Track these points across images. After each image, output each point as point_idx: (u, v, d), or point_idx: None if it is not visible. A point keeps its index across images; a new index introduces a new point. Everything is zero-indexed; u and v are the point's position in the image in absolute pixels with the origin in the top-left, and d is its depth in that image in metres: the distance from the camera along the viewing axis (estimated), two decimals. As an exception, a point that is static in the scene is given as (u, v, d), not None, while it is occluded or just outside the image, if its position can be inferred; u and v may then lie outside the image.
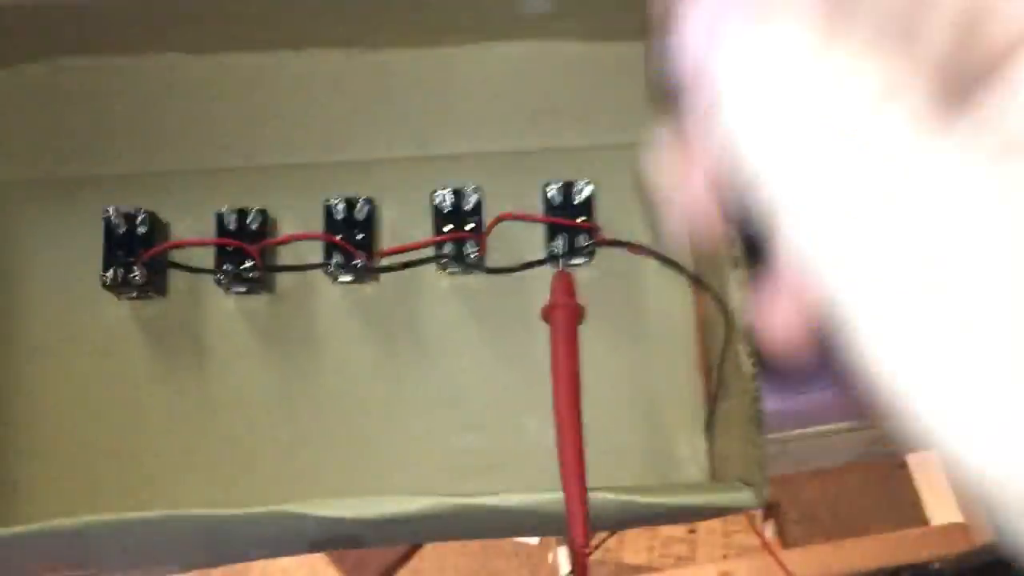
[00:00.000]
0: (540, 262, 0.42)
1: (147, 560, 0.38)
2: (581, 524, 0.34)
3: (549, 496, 0.35)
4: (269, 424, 0.42)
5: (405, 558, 0.76)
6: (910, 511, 1.22)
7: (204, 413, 0.42)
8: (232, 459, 0.41)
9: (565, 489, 0.35)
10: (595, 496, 0.35)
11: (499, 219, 0.41)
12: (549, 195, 0.41)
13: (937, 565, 1.19)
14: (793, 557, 0.86)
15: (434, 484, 0.41)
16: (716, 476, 0.41)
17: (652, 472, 0.42)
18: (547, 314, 0.40)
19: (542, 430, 0.41)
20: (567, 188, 0.41)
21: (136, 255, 0.40)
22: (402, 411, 0.42)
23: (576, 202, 0.41)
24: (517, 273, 0.42)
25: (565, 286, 0.40)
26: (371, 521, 0.34)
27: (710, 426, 0.41)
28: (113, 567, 0.37)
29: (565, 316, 0.40)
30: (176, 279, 0.43)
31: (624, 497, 0.35)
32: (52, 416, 0.42)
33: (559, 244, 0.41)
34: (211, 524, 0.34)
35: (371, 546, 0.37)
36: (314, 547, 0.36)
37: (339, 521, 0.33)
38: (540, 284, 0.41)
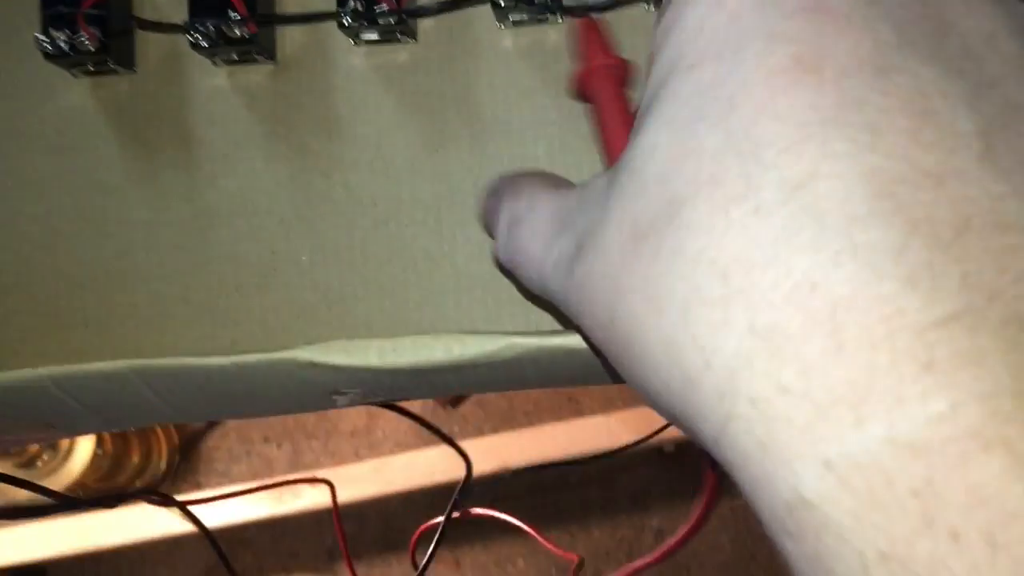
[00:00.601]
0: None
1: (127, 418, 0.30)
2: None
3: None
4: (279, 241, 0.31)
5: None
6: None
7: (194, 228, 0.31)
8: (233, 289, 0.31)
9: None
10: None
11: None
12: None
13: (671, 448, 1.09)
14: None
15: (500, 318, 0.30)
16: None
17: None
18: (582, 83, 0.27)
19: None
20: None
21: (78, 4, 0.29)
22: (454, 218, 0.31)
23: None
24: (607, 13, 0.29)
25: (595, 39, 0.27)
26: (412, 370, 0.24)
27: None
28: (87, 426, 0.29)
29: (607, 78, 0.27)
30: (146, 46, 0.32)
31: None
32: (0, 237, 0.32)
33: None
34: (200, 374, 0.24)
35: (414, 398, 0.27)
36: (341, 401, 0.27)
37: (368, 371, 0.23)
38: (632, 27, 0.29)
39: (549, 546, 0.57)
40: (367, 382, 0.24)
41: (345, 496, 0.97)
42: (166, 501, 0.55)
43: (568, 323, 0.29)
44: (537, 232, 0.22)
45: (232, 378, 0.24)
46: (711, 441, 0.16)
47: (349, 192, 0.31)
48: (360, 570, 1.14)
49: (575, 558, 0.54)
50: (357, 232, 0.31)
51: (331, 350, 0.23)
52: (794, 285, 0.14)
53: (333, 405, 0.27)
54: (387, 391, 0.26)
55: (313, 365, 0.23)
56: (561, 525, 1.15)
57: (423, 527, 0.57)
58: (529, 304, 0.30)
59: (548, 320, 0.30)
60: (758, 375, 0.15)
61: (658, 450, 1.12)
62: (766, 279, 0.15)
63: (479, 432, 1.19)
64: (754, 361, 0.15)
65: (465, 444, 1.01)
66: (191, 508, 0.61)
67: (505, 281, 0.30)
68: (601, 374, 0.26)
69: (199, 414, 0.27)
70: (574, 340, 0.25)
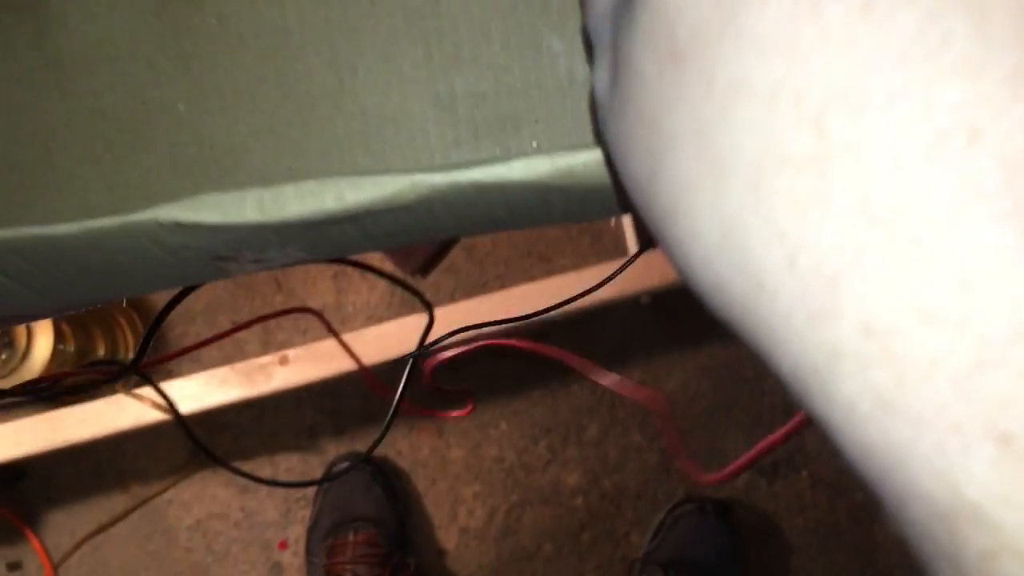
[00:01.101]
0: None
1: None
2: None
3: (597, 153, 0.20)
4: (149, 89, 0.26)
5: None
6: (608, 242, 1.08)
7: (47, 81, 0.27)
8: (103, 150, 0.26)
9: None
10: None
11: None
12: None
13: (648, 300, 1.06)
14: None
15: (419, 162, 0.26)
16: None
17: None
18: None
19: (572, 56, 0.25)
20: None
21: None
22: (352, 46, 0.26)
23: None
24: None
25: None
26: (301, 223, 0.20)
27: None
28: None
29: None
30: None
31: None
32: None
33: None
34: (46, 247, 0.20)
35: (320, 259, 0.24)
36: (232, 268, 0.23)
37: (248, 228, 0.20)
38: None
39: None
40: (251, 242, 0.21)
41: (317, 373, 0.95)
42: (141, 381, 0.51)
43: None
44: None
45: (87, 249, 0.20)
46: (788, 373, 0.11)
47: (225, 24, 0.26)
48: (343, 444, 1.13)
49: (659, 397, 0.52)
50: (239, 72, 0.26)
51: (200, 206, 0.19)
52: (940, 133, 0.09)
53: (224, 275, 0.23)
54: (280, 252, 0.22)
55: (179, 226, 0.19)
56: (541, 383, 1.15)
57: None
58: (464, 141, 0.26)
59: (479, 159, 0.26)
60: (881, 288, 0.09)
61: (635, 302, 1.10)
62: (891, 123, 0.09)
63: (451, 299, 1.16)
64: (875, 261, 0.09)
65: (437, 312, 0.99)
66: (164, 388, 0.58)
67: (419, 115, 0.26)
68: (528, 215, 0.22)
69: (68, 297, 0.23)
70: (492, 172, 0.21)
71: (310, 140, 0.26)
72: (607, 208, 0.22)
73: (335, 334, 0.64)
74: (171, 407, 0.85)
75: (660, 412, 0.44)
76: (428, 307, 0.55)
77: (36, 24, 0.26)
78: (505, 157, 0.22)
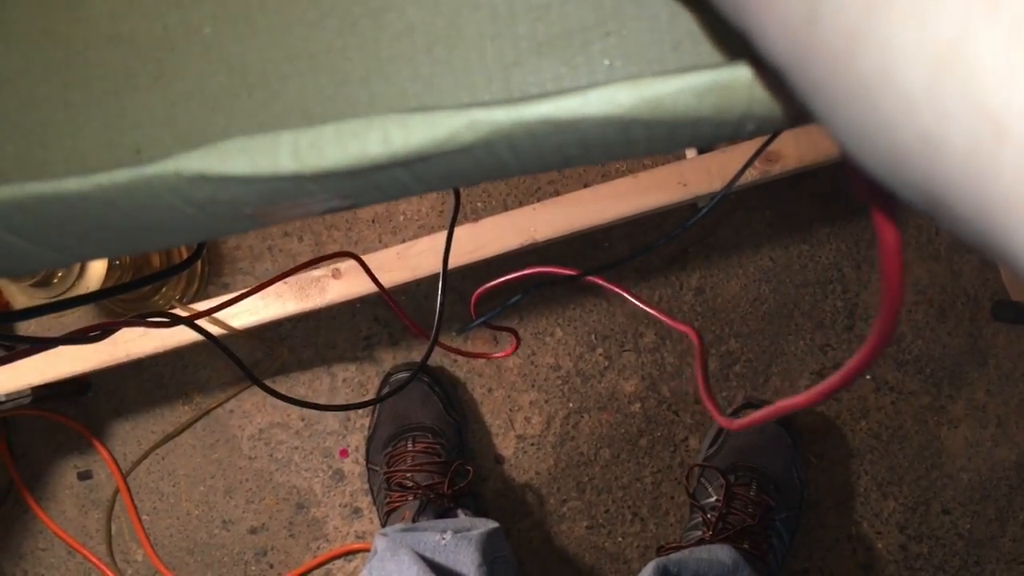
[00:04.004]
0: None
1: None
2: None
3: (689, 79, 0.17)
4: (170, 10, 0.23)
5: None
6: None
7: (59, 4, 0.24)
8: (123, 81, 0.24)
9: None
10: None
11: None
12: None
13: (704, 204, 0.98)
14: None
15: (473, 84, 0.23)
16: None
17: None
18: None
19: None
20: None
21: None
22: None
23: None
24: None
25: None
26: (342, 172, 0.17)
27: None
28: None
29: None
30: None
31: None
32: None
33: None
34: (56, 205, 0.18)
35: (365, 204, 0.21)
36: (269, 218, 0.20)
37: (283, 180, 0.17)
38: None
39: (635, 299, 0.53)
40: (288, 192, 0.18)
41: (370, 286, 0.94)
42: (174, 320, 0.50)
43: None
44: None
45: (102, 207, 0.17)
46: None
47: (250, -68, 0.23)
48: (399, 354, 1.13)
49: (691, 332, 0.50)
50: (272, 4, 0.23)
51: (227, 154, 0.17)
52: None
53: (258, 225, 0.21)
54: (323, 201, 0.19)
55: (205, 178, 0.17)
56: (594, 289, 1.12)
57: (480, 290, 0.53)
58: (524, 61, 0.22)
59: (542, 82, 0.23)
60: None
61: (692, 206, 1.06)
62: None
63: (503, 207, 1.13)
64: None
65: (489, 221, 0.96)
66: (220, 302, 0.57)
67: (472, 31, 0.23)
68: (605, 151, 0.19)
69: (90, 253, 0.21)
70: (565, 106, 0.17)
71: (351, 64, 0.23)
72: (699, 139, 0.19)
73: (377, 282, 0.62)
74: (208, 335, 0.85)
75: (695, 348, 0.42)
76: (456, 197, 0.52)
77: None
78: (577, 85, 0.19)
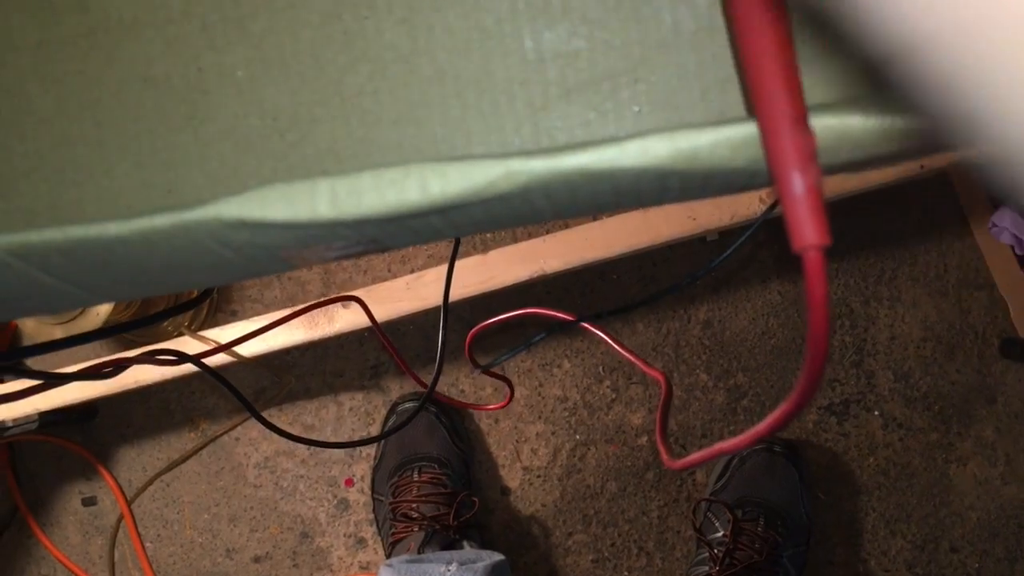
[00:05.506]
0: None
1: (28, 306, 0.24)
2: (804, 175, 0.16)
3: (725, 132, 0.17)
4: (205, 53, 0.24)
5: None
6: None
7: (94, 46, 0.24)
8: (157, 122, 0.24)
9: (761, 112, 0.17)
10: (822, 125, 0.17)
11: None
12: None
13: (715, 237, 0.97)
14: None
15: (503, 129, 0.23)
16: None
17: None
18: None
19: (676, 5, 0.22)
20: None
21: None
22: (436, 3, 0.23)
23: None
24: None
25: None
26: (379, 219, 0.17)
27: None
28: None
29: None
30: None
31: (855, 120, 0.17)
32: None
33: None
34: (96, 249, 0.18)
35: (397, 247, 0.21)
36: (301, 260, 0.20)
37: (320, 226, 0.17)
38: None
39: (631, 358, 0.54)
40: (323, 238, 0.18)
41: (380, 314, 0.94)
42: (182, 359, 0.51)
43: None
44: None
45: (141, 250, 0.18)
46: None
47: (285, -22, 0.23)
48: (406, 383, 1.13)
49: (660, 376, 0.50)
50: (303, 32, 0.23)
51: (266, 200, 0.17)
52: None
53: (291, 268, 0.21)
54: (356, 245, 0.19)
55: (244, 224, 0.17)
56: (604, 322, 1.12)
57: (473, 331, 0.53)
58: (553, 106, 0.23)
59: (570, 128, 0.23)
60: None
61: (700, 240, 1.06)
62: None
63: (512, 238, 1.14)
64: None
65: (497, 253, 0.96)
66: (228, 330, 0.58)
67: (503, 76, 0.23)
68: (638, 198, 0.19)
69: (122, 293, 0.22)
70: (602, 157, 0.18)
71: (382, 108, 0.23)
72: (733, 188, 0.19)
73: (376, 324, 0.63)
74: (209, 370, 0.85)
75: (662, 391, 0.43)
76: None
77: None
78: (606, 131, 0.19)
